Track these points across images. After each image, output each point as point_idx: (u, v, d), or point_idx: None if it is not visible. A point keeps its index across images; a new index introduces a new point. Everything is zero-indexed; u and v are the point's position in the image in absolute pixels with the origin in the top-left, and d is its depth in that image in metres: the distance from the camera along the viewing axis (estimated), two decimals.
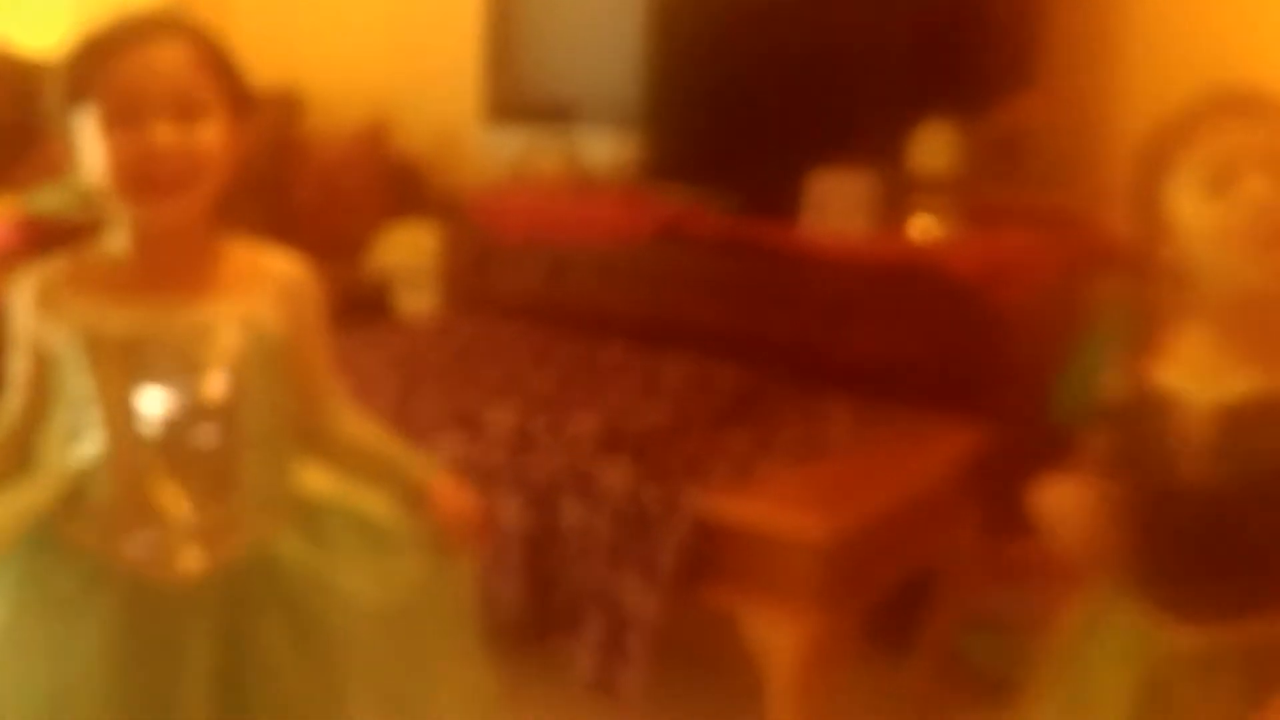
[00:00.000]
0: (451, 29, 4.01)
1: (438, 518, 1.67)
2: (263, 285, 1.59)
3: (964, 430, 2.56)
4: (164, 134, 1.48)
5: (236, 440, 1.57)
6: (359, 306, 3.96)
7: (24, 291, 1.58)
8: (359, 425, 1.70)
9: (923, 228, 2.82)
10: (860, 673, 2.51)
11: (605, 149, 3.44)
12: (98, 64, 1.51)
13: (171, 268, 1.56)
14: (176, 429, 1.54)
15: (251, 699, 1.57)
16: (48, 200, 3.52)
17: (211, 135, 1.52)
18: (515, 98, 3.71)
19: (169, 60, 1.51)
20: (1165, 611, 1.56)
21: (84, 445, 1.55)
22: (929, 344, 2.64)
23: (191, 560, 1.55)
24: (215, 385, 1.54)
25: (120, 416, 1.54)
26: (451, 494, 1.69)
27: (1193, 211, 1.50)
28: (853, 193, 2.81)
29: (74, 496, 1.57)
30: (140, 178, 1.49)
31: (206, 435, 1.55)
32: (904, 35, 2.87)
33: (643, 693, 2.32)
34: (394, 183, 4.13)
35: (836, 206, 2.80)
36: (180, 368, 1.54)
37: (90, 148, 1.51)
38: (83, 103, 1.51)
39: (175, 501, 1.54)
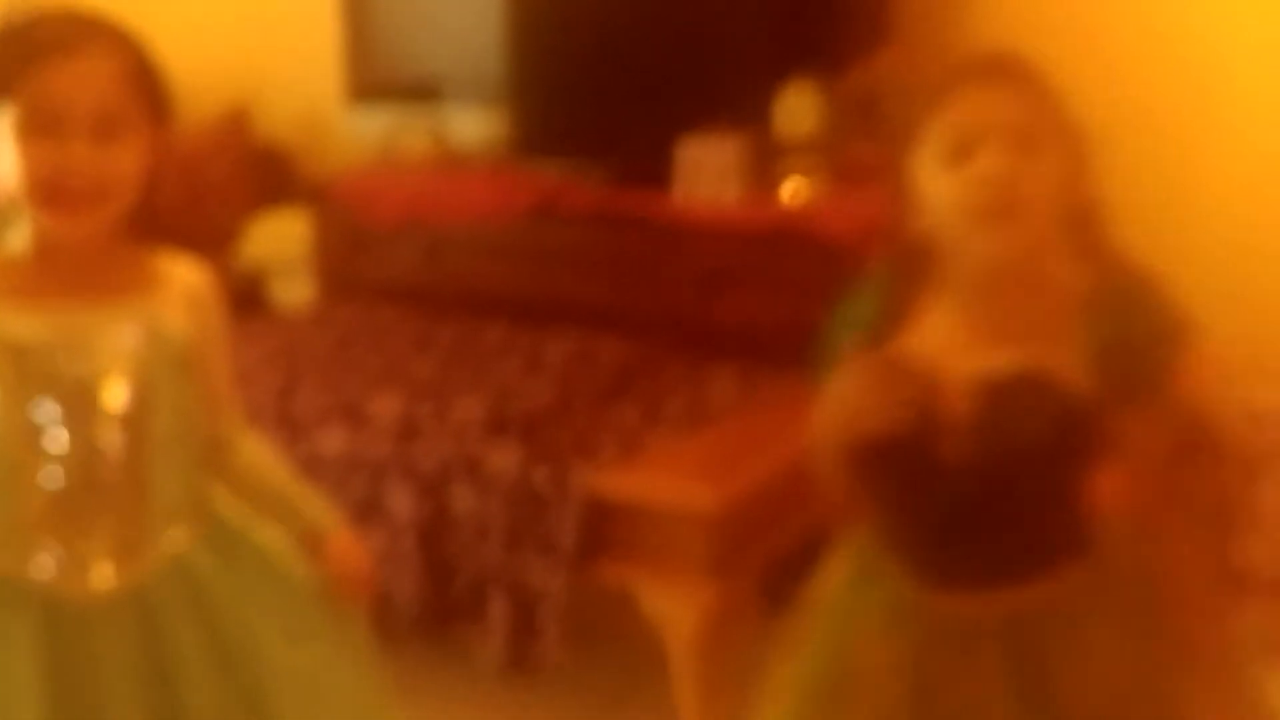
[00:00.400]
0: (309, 9, 3.91)
1: (330, 570, 1.66)
2: (167, 290, 1.57)
3: None
4: (81, 152, 1.46)
5: (143, 449, 1.54)
6: (232, 300, 3.91)
7: None
8: (259, 451, 1.69)
9: (792, 191, 2.85)
10: (763, 635, 2.55)
11: (473, 126, 3.40)
12: (21, 65, 1.47)
13: (74, 274, 1.53)
14: (79, 440, 1.51)
15: (178, 711, 1.55)
16: None
17: (129, 155, 1.50)
18: (378, 77, 3.66)
19: (95, 75, 1.48)
20: (927, 581, 1.58)
21: None
22: (805, 306, 2.65)
23: (104, 576, 1.53)
24: (117, 392, 1.52)
25: (18, 429, 1.50)
26: (346, 550, 1.69)
27: (933, 182, 1.51)
28: (721, 159, 2.83)
29: None
30: (53, 192, 1.47)
31: (111, 445, 1.52)
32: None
33: (554, 670, 2.35)
34: (259, 170, 4.03)
35: (707, 173, 2.81)
36: (80, 375, 1.51)
37: (3, 147, 1.49)
38: (2, 103, 1.48)
39: (82, 516, 1.52)
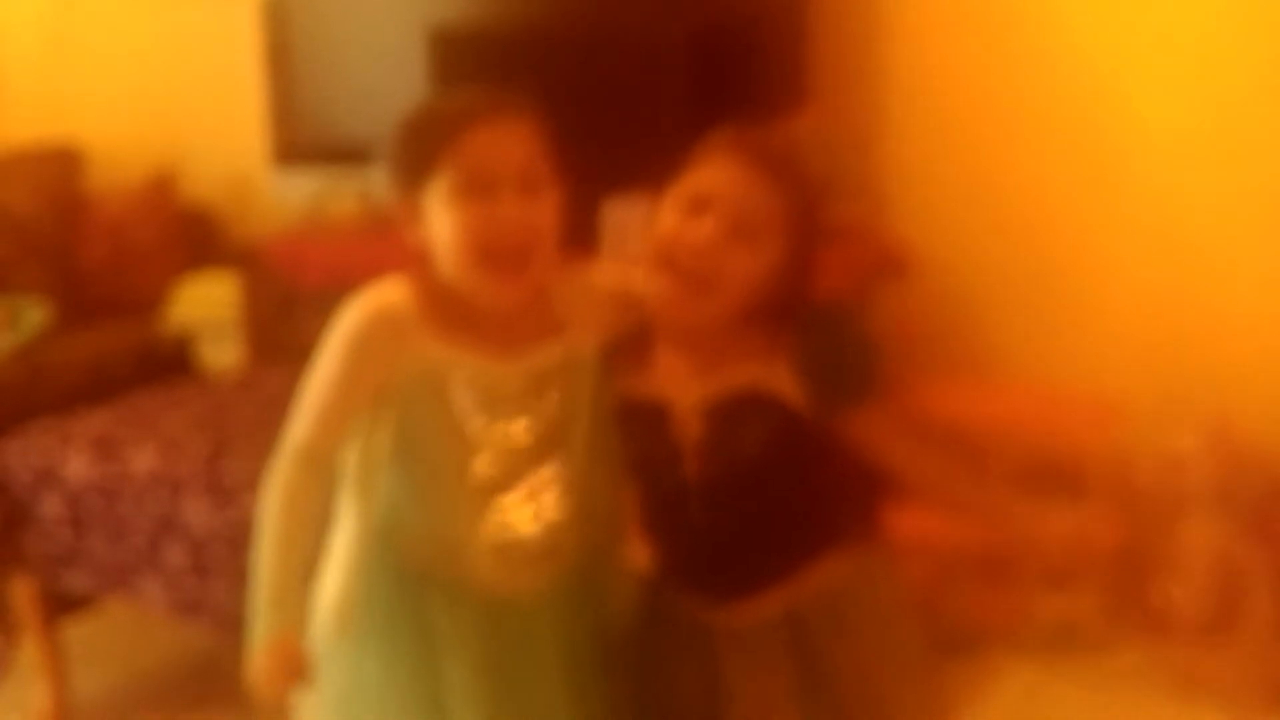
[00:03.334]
0: (233, 73, 3.98)
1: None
2: (570, 310, 1.67)
3: None
4: (512, 209, 1.56)
5: (564, 468, 1.65)
6: (159, 365, 3.83)
7: (372, 314, 1.61)
8: None
9: None
10: None
11: None
12: (449, 135, 1.57)
13: (511, 325, 1.62)
14: (521, 457, 1.62)
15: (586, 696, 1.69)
16: None
17: (549, 209, 1.60)
18: (304, 140, 3.70)
19: (517, 136, 1.59)
20: (703, 598, 1.70)
21: (420, 479, 1.62)
22: None
23: (537, 573, 1.65)
24: (542, 424, 1.62)
25: (459, 458, 1.60)
26: None
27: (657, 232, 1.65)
28: (643, 221, 2.88)
29: (411, 526, 1.64)
30: (490, 249, 1.56)
31: (538, 470, 1.63)
32: (679, 62, 2.97)
33: None
34: (185, 234, 4.06)
35: (633, 235, 2.86)
36: (513, 409, 1.61)
37: (438, 219, 1.58)
38: (432, 175, 1.57)
39: (522, 523, 1.63)
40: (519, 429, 1.61)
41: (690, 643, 1.69)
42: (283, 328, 3.30)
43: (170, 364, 3.78)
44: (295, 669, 1.55)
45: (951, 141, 3.21)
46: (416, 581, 1.64)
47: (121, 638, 2.97)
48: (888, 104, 3.25)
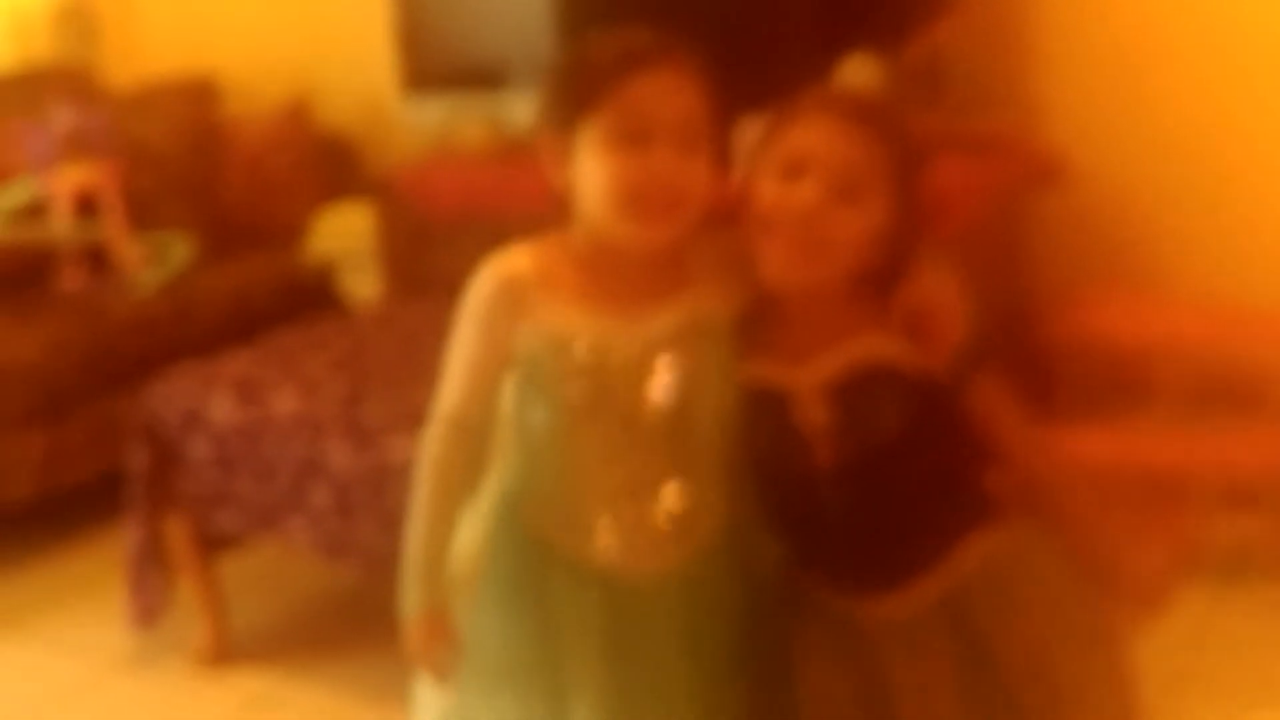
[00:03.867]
0: None
1: None
2: (703, 269, 1.59)
3: None
4: (668, 161, 1.50)
5: (691, 435, 1.57)
6: (302, 297, 3.87)
7: (496, 282, 1.57)
8: None
9: None
10: None
11: (532, 112, 3.37)
12: (608, 79, 1.51)
13: (642, 277, 1.57)
14: (637, 438, 1.55)
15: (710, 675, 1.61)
16: None
17: (704, 166, 1.54)
18: (435, 65, 3.62)
19: (678, 87, 1.53)
20: (849, 593, 1.59)
21: (546, 451, 1.58)
22: None
23: (662, 556, 1.58)
24: (671, 385, 1.54)
25: (584, 428, 1.55)
26: None
27: (760, 190, 1.55)
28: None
29: (537, 499, 1.60)
30: (641, 200, 1.50)
31: (665, 441, 1.56)
32: None
33: None
34: (322, 163, 4.05)
35: None
36: (640, 375, 1.54)
37: (589, 163, 1.52)
38: (588, 118, 1.52)
39: (638, 498, 1.57)
40: (643, 397, 1.52)
41: (840, 641, 1.59)
42: (419, 259, 3.27)
43: (313, 296, 3.81)
44: (447, 641, 1.54)
45: (1108, 44, 3.01)
46: (540, 554, 1.59)
47: (277, 573, 3.01)
48: (1039, 5, 3.05)
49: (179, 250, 3.74)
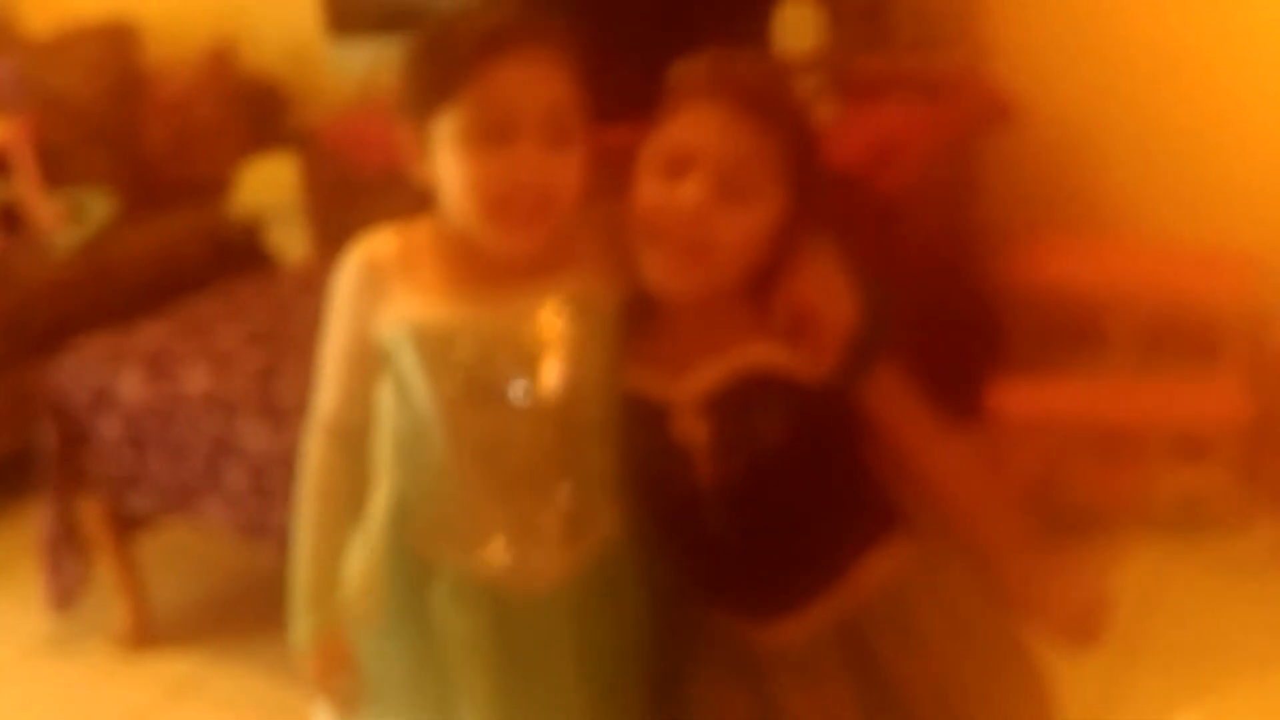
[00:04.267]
0: None
1: None
2: (587, 244, 1.45)
3: None
4: (532, 160, 1.35)
5: (578, 432, 1.44)
6: (229, 253, 3.69)
7: (357, 269, 1.44)
8: None
9: None
10: None
11: None
12: (466, 66, 1.34)
13: (511, 262, 1.42)
14: (518, 428, 1.42)
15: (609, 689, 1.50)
16: None
17: (575, 162, 1.38)
18: (361, 7, 3.44)
19: (546, 76, 1.36)
20: (740, 616, 1.47)
21: (424, 452, 1.44)
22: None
23: (554, 565, 1.45)
24: (550, 376, 1.41)
25: (462, 423, 1.41)
26: None
27: (644, 189, 1.41)
28: None
29: (419, 508, 1.47)
30: (502, 205, 1.36)
31: (550, 433, 1.42)
32: None
33: None
34: (248, 111, 3.86)
35: None
36: (517, 362, 1.40)
37: (447, 159, 1.37)
38: (444, 108, 1.35)
39: (524, 504, 1.44)
40: (527, 388, 1.39)
41: (734, 666, 1.46)
42: (347, 214, 3.11)
43: (239, 254, 3.63)
44: (346, 667, 1.45)
45: None
46: (423, 571, 1.45)
47: (199, 552, 2.88)
48: None
49: (98, 207, 3.57)
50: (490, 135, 1.35)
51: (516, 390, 1.41)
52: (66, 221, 3.48)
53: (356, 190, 3.12)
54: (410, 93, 1.40)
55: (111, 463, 2.48)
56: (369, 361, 1.45)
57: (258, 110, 3.84)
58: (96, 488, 2.52)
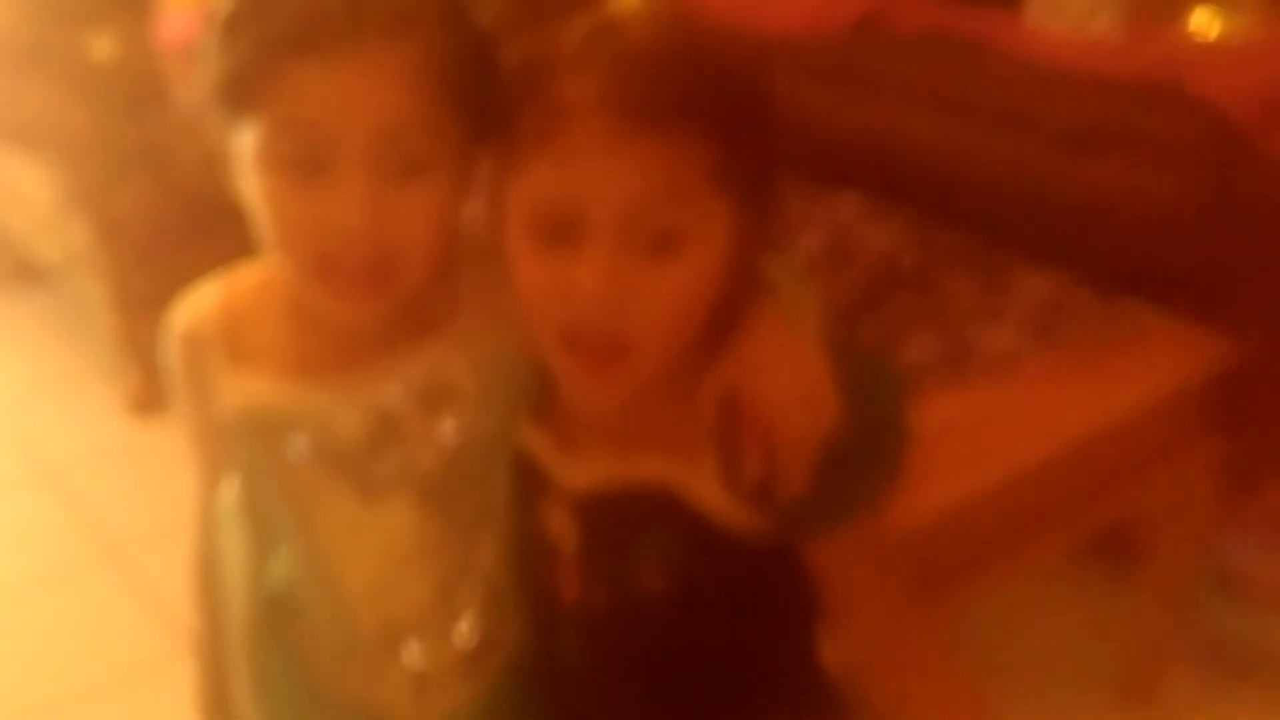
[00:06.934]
0: None
1: None
2: (472, 289, 1.08)
3: (1208, 335, 1.80)
4: (358, 200, 0.96)
5: (457, 536, 1.11)
6: None
7: (178, 342, 1.12)
8: None
9: (1192, 33, 2.07)
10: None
11: None
12: (268, 64, 0.95)
13: (371, 327, 1.06)
14: (404, 529, 1.10)
15: None
16: None
17: (430, 194, 0.98)
18: None
19: (378, 81, 0.95)
20: None
21: (284, 563, 1.18)
22: (1178, 202, 1.92)
23: (449, 699, 1.16)
24: (427, 459, 1.08)
25: (329, 532, 1.11)
26: None
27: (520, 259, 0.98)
28: None
29: (283, 627, 1.20)
30: (321, 260, 0.99)
31: (443, 525, 1.11)
32: None
33: None
34: None
35: None
36: (379, 452, 1.08)
37: (250, 182, 1.01)
38: (244, 114, 0.98)
39: (431, 619, 1.14)
40: (387, 484, 1.05)
41: None
42: None
43: None
44: None
45: None
46: (305, 697, 1.17)
47: None
48: None
49: None
50: (298, 163, 0.96)
51: (380, 490, 1.07)
52: None
53: None
54: (210, 85, 0.99)
55: None
56: (217, 450, 1.14)
57: None
58: None
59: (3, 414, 2.95)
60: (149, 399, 2.87)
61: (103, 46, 3.04)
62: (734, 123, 0.91)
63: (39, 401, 3.00)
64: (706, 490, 0.98)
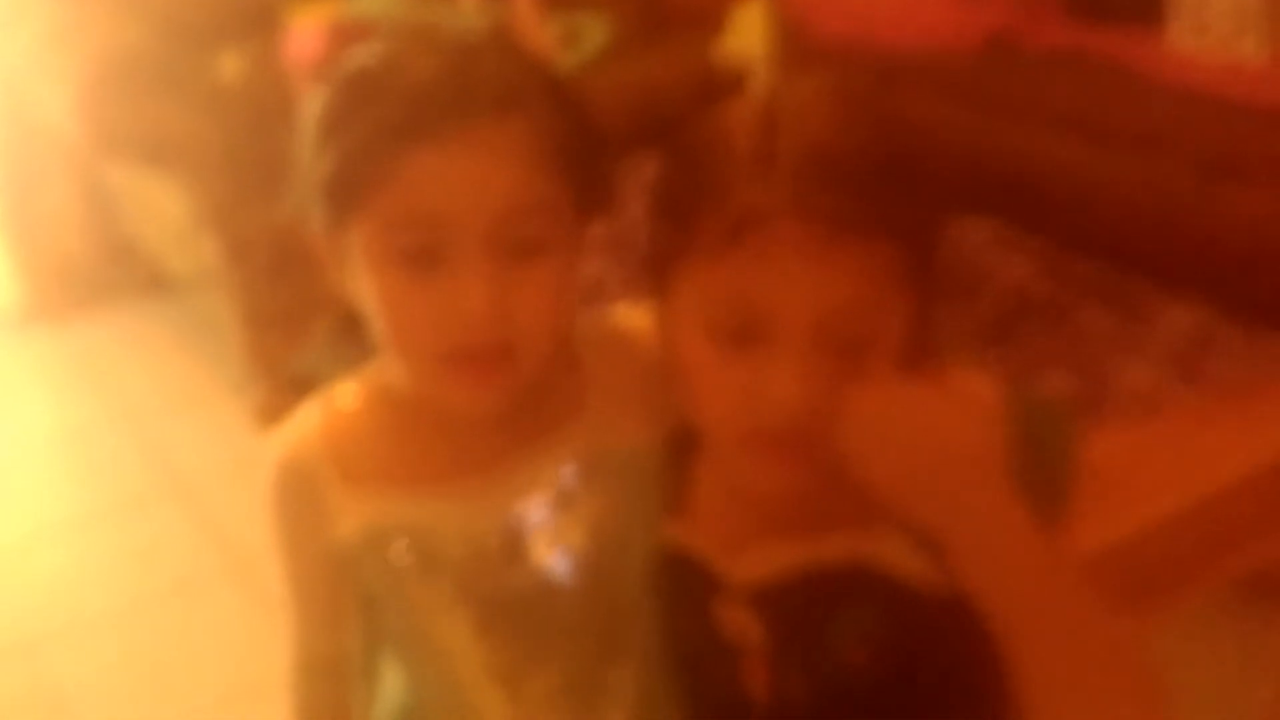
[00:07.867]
0: None
1: None
2: (601, 376, 1.06)
3: None
4: (479, 288, 0.93)
5: (606, 636, 1.07)
6: (712, 97, 3.48)
7: (279, 476, 1.08)
8: None
9: None
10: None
11: None
12: (376, 152, 0.93)
13: (491, 428, 1.03)
14: (548, 627, 1.07)
15: None
16: (369, 5, 3.31)
17: (552, 273, 0.96)
18: None
19: (499, 166, 0.93)
20: None
21: (430, 671, 1.11)
22: None
23: None
24: (567, 560, 1.04)
25: (457, 644, 1.07)
26: None
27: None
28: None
29: None
30: (445, 351, 0.96)
31: (590, 620, 1.07)
32: None
33: None
34: None
35: (1215, 12, 2.06)
36: (513, 555, 1.04)
37: (366, 282, 0.98)
38: (353, 213, 0.96)
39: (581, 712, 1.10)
40: (526, 583, 1.02)
41: None
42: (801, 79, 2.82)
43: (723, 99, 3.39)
44: None
45: None
46: None
47: None
48: None
49: (595, 33, 3.38)
50: (412, 256, 0.94)
51: (519, 590, 1.03)
52: (563, 46, 3.34)
53: (808, 60, 2.80)
54: (314, 192, 0.98)
55: None
56: (335, 580, 1.08)
57: None
58: None
59: (134, 426, 3.02)
60: (278, 413, 2.90)
61: (232, 65, 3.12)
62: (923, 222, 0.90)
63: (169, 414, 3.06)
64: (898, 555, 0.95)
